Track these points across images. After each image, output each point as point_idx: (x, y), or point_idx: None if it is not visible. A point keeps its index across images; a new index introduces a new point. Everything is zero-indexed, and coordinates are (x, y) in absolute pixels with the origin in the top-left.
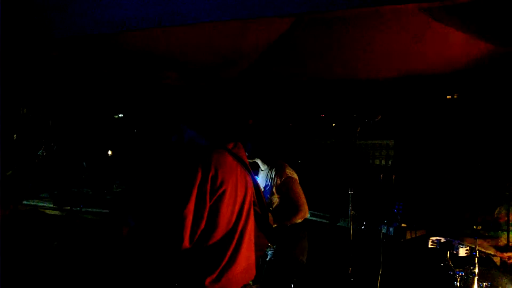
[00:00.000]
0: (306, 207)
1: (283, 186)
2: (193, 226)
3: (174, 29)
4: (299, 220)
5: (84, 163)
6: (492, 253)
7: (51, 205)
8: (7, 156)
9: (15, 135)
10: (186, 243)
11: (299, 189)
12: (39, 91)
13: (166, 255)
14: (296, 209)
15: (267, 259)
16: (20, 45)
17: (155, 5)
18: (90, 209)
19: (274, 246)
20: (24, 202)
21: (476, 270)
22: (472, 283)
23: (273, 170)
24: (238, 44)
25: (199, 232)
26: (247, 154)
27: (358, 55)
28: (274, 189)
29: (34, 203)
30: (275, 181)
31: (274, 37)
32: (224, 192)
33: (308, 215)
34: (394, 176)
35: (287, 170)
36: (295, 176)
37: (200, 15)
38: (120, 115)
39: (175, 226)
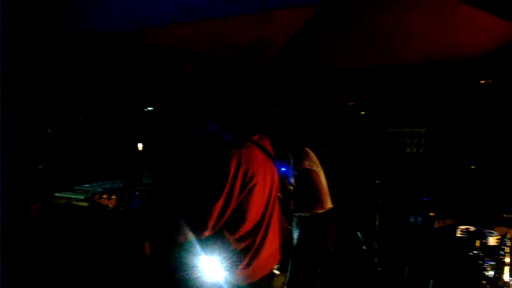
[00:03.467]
0: (325, 198)
1: (300, 178)
2: (218, 217)
3: (195, 23)
4: (320, 211)
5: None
6: None
7: (83, 197)
8: (39, 150)
9: (49, 130)
10: (208, 231)
11: (318, 181)
12: (70, 88)
13: (191, 243)
14: (314, 201)
15: (293, 246)
16: (43, 41)
17: (173, 1)
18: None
19: (297, 232)
20: (57, 194)
21: (507, 259)
22: (503, 272)
23: (294, 159)
24: (262, 35)
25: (221, 222)
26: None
27: (384, 41)
28: (292, 179)
29: (67, 195)
30: (293, 171)
31: (298, 26)
32: (254, 186)
33: (330, 206)
34: (423, 165)
35: (305, 162)
36: (315, 167)
37: (219, 10)
38: (149, 108)
39: (202, 215)
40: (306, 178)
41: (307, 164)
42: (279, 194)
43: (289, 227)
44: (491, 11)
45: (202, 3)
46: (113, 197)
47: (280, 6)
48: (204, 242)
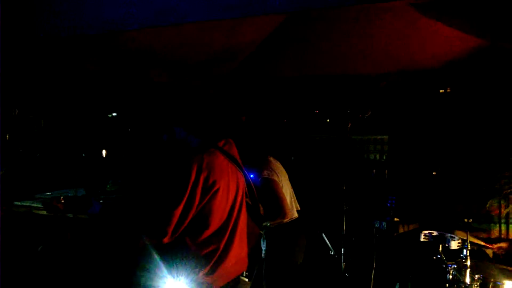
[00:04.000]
0: (286, 208)
1: (261, 186)
2: (178, 223)
3: (164, 28)
4: (285, 221)
5: (84, 154)
6: (484, 244)
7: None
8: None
9: (7, 136)
10: (168, 238)
11: (277, 190)
12: (31, 92)
13: (150, 249)
14: (275, 211)
15: (262, 258)
16: (9, 44)
17: (146, 4)
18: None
19: (265, 243)
20: (17, 203)
21: (468, 263)
22: (465, 275)
23: (256, 167)
24: (230, 41)
25: (181, 229)
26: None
27: (349, 51)
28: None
29: (27, 204)
30: (256, 179)
31: (266, 33)
32: (216, 192)
33: (294, 216)
34: (387, 171)
35: (265, 171)
36: (275, 176)
37: (189, 14)
38: (113, 114)
39: (162, 222)
40: (264, 188)
41: (265, 173)
42: (247, 199)
43: (261, 232)
44: (449, 24)
45: (178, 7)
46: (62, 201)
47: (255, 13)
48: (165, 248)
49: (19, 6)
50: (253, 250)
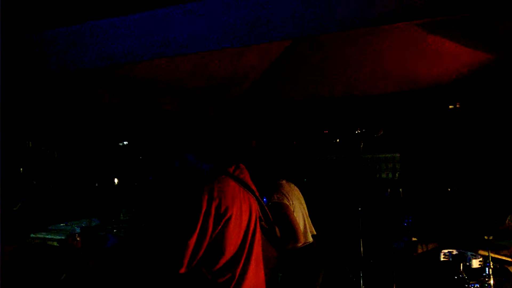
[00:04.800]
0: (298, 233)
1: (271, 211)
2: (193, 254)
3: (168, 57)
4: (299, 245)
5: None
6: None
7: (60, 237)
8: (14, 190)
9: (21, 169)
10: (184, 268)
11: (288, 215)
12: (43, 124)
13: (166, 279)
14: (287, 236)
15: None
16: (20, 78)
17: (150, 36)
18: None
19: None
20: (32, 235)
21: (492, 282)
22: None
23: (268, 192)
24: (237, 67)
25: (197, 259)
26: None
27: (356, 71)
28: None
29: (42, 235)
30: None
31: (272, 58)
32: (229, 219)
33: (308, 241)
34: (401, 190)
35: (275, 195)
36: (285, 200)
37: (194, 45)
38: (125, 143)
39: (177, 253)
40: (275, 212)
41: (275, 197)
42: (262, 223)
43: (278, 255)
44: (457, 40)
45: (184, 38)
46: (78, 238)
47: (261, 41)
48: (181, 279)
49: (25, 43)
50: (272, 274)
